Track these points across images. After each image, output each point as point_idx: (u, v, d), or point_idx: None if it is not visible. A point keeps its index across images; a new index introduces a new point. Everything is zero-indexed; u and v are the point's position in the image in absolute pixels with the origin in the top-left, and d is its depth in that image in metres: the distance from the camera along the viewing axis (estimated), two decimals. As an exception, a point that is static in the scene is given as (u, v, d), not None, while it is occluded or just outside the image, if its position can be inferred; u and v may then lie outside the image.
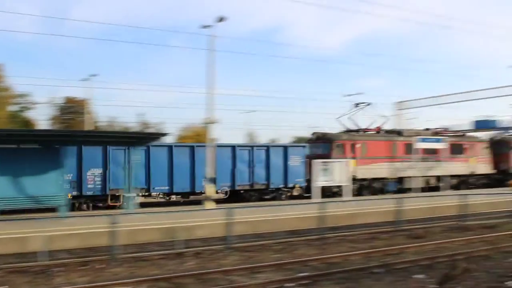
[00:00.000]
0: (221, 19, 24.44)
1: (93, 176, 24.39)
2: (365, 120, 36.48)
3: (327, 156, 30.27)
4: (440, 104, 76.47)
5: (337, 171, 27.10)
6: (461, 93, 74.64)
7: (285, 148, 29.78)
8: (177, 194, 27.07)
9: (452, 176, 36.31)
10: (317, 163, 26.63)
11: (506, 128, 54.94)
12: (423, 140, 33.13)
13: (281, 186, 29.11)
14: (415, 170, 33.59)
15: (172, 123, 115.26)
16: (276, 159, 28.86)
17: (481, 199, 24.89)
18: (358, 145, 32.29)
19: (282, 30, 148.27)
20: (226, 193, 27.73)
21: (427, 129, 40.15)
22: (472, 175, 38.37)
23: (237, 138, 76.08)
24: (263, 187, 28.70)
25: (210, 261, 13.67)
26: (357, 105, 36.62)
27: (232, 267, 12.61)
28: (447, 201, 23.16)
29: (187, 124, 72.11)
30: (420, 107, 78.32)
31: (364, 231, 18.25)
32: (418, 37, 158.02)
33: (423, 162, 34.27)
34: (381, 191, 32.58)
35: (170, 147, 26.76)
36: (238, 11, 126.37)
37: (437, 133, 38.25)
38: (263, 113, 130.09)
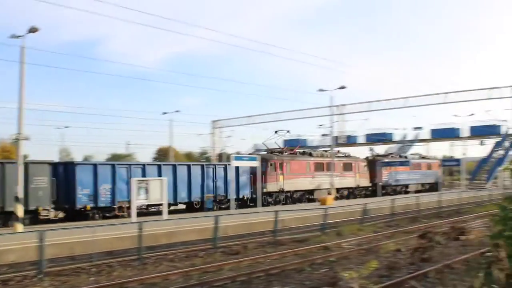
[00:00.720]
0: (32, 30, 22.98)
1: (104, 190, 28.07)
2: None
3: (264, 173, 36.66)
4: (253, 123, 79.86)
5: (154, 190, 26.65)
6: (273, 113, 78.96)
7: (237, 166, 34.52)
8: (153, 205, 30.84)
9: (345, 188, 46.19)
10: (134, 182, 25.94)
11: (316, 147, 59.34)
12: (239, 159, 34.25)
13: (234, 196, 34.06)
14: (320, 183, 42.42)
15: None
16: (231, 175, 34.14)
17: (293, 215, 26.28)
18: (285, 164, 39.68)
19: (99, 44, 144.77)
20: (198, 203, 32.58)
21: (325, 151, 49.95)
22: (357, 188, 48.44)
23: (51, 155, 72.66)
24: (222, 198, 34.53)
25: (19, 288, 12.70)
26: (276, 132, 44.57)
27: (45, 293, 11.84)
28: (263, 217, 24.06)
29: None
30: (234, 126, 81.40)
31: (183, 249, 18.23)
32: (232, 58, 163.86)
33: (326, 177, 42.81)
34: (300, 200, 40.53)
35: (143, 165, 31.32)
36: (52, 22, 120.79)
37: (334, 154, 46.78)
38: (78, 129, 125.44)
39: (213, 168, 34.71)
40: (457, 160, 60.69)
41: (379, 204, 29.33)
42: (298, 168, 40.98)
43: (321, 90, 41.95)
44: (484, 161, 68.32)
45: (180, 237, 19.54)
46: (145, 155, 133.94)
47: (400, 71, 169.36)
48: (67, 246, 17.48)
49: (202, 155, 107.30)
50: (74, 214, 27.24)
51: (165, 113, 59.63)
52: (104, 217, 27.61)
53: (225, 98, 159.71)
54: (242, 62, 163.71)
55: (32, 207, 25.12)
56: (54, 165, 27.63)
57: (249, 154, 43.85)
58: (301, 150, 47.67)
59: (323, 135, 71.57)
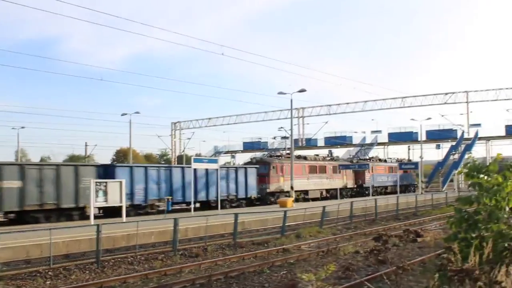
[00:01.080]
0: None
1: (139, 190, 31.63)
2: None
3: (267, 174, 42.35)
4: (214, 125, 79.79)
5: (113, 191, 26.20)
6: (233, 115, 79.13)
7: (246, 168, 40.54)
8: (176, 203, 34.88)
9: (334, 189, 49.85)
10: (93, 183, 25.49)
11: (275, 149, 59.82)
12: (198, 161, 34.21)
13: (243, 196, 39.19)
14: (314, 184, 47.58)
15: None
16: (241, 176, 39.12)
17: (253, 217, 26.33)
18: (284, 167, 43.91)
19: (57, 44, 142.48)
20: (214, 202, 35.29)
21: (317, 155, 55.58)
22: (345, 188, 52.56)
23: (7, 156, 71.33)
24: (233, 197, 38.36)
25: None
26: (274, 138, 51.71)
27: (-1, 298, 11.57)
28: (223, 220, 24.06)
29: None
30: (194, 128, 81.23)
31: (142, 252, 18.07)
32: (192, 60, 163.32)
33: (318, 179, 48.40)
34: (297, 200, 42.61)
35: (170, 168, 36.35)
36: (8, 20, 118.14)
37: (324, 158, 54.37)
38: (35, 130, 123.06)
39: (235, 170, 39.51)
40: (415, 164, 61.83)
41: (339, 206, 29.56)
42: (296, 171, 43.67)
43: (281, 93, 42.01)
44: (440, 164, 69.86)
45: (139, 240, 19.31)
46: (105, 157, 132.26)
47: (360, 76, 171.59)
48: (22, 249, 17.11)
49: (162, 157, 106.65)
50: (113, 211, 28.73)
51: (124, 114, 58.97)
52: (137, 214, 30.29)
53: (186, 100, 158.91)
54: (203, 64, 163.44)
55: (81, 205, 28.44)
56: (98, 167, 31.55)
57: (253, 157, 50.73)
58: (297, 154, 51.62)
59: (282, 137, 71.95)
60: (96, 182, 25.90)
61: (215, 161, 35.17)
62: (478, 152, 73.49)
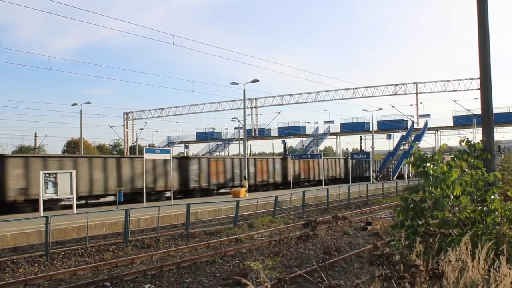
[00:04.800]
0: None
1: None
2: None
3: None
4: (166, 116, 79.11)
5: (63, 183, 25.63)
6: (186, 105, 78.64)
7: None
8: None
9: None
10: (42, 174, 24.89)
11: (229, 140, 59.76)
12: (150, 151, 33.90)
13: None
14: None
15: None
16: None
17: (207, 207, 26.29)
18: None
19: (3, 32, 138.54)
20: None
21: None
22: None
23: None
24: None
25: None
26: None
27: None
28: (176, 210, 23.96)
29: None
30: (147, 118, 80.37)
31: (93, 243, 17.82)
32: (145, 50, 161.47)
33: None
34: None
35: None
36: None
37: None
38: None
39: None
40: (366, 153, 62.81)
41: (291, 196, 29.75)
42: None
43: (233, 83, 41.70)
44: (391, 154, 71.23)
45: (91, 232, 19.04)
46: (55, 148, 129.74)
47: (314, 66, 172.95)
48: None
49: (115, 148, 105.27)
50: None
51: (74, 104, 57.60)
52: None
53: (138, 90, 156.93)
54: (156, 54, 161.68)
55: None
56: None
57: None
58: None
59: (236, 128, 71.99)
60: (45, 173, 25.33)
61: (168, 152, 34.89)
62: (428, 142, 75.46)
